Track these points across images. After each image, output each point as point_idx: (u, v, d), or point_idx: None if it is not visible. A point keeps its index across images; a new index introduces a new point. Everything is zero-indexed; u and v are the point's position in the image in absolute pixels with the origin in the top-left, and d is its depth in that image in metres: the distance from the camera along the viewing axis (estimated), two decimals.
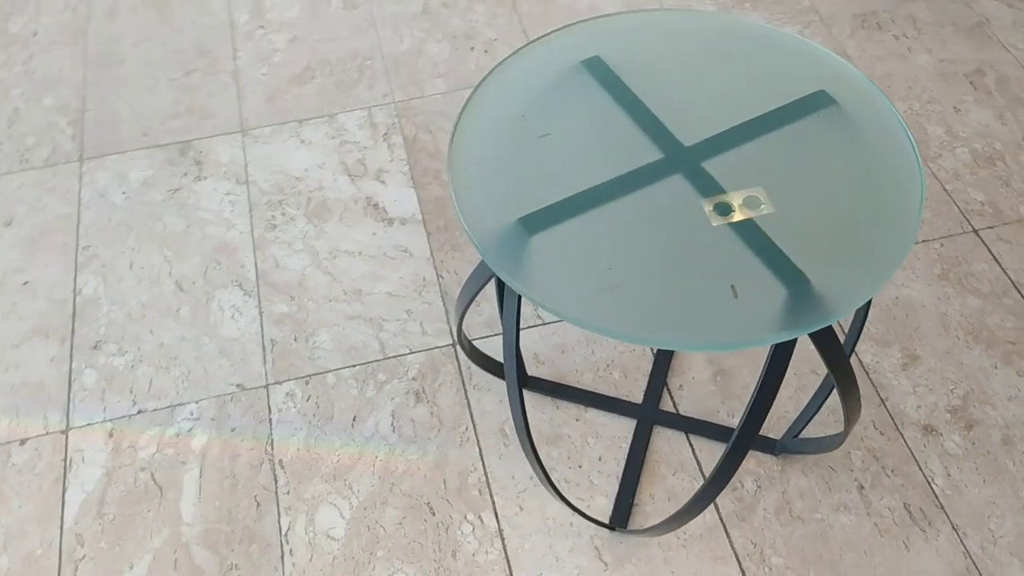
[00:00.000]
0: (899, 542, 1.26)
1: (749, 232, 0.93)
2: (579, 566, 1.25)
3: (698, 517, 1.28)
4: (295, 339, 1.49)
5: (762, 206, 0.95)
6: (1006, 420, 1.37)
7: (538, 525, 1.29)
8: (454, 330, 1.25)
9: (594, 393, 1.41)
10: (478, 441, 1.37)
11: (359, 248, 1.61)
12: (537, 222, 0.95)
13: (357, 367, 1.46)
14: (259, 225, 1.64)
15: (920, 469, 1.33)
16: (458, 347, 1.47)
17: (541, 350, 1.47)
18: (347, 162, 1.73)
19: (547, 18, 1.98)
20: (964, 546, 1.26)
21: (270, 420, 1.40)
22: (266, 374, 1.45)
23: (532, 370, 1.44)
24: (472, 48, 1.93)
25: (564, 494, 1.31)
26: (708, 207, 0.95)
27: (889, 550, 1.26)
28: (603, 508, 1.30)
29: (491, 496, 1.32)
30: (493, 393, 1.42)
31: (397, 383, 1.43)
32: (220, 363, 1.47)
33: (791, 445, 1.33)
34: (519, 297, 0.97)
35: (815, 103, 1.03)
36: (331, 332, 1.50)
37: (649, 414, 1.39)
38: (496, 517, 1.30)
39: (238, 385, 1.44)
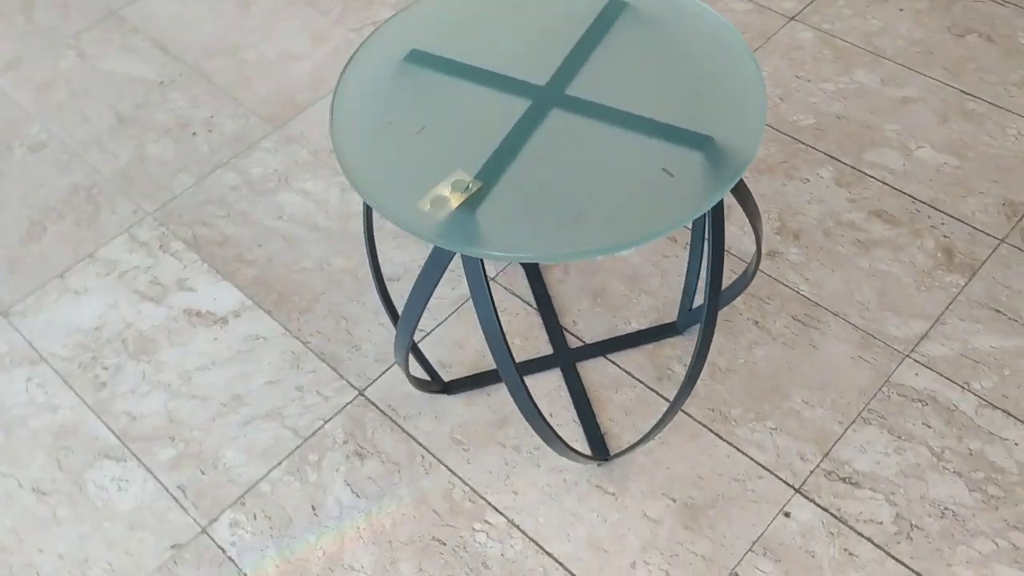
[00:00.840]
0: (807, 347, 1.45)
1: (644, 125, 1.03)
2: (594, 509, 1.30)
3: (653, 416, 1.39)
4: (203, 472, 1.37)
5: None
6: (817, 219, 1.62)
7: (538, 497, 1.32)
8: (401, 360, 1.23)
9: None
10: (440, 461, 1.36)
11: (209, 360, 1.50)
12: (472, 199, 0.98)
13: (283, 462, 1.37)
14: (86, 391, 1.48)
15: (786, 286, 1.53)
16: (367, 393, 1.44)
17: (442, 355, 1.48)
18: (139, 289, 1.60)
19: (248, 79, 1.95)
20: (850, 323, 1.48)
21: (230, 558, 1.29)
22: (195, 520, 1.32)
23: (445, 375, 1.45)
24: (194, 133, 1.85)
25: (541, 462, 1.35)
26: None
27: (805, 357, 1.44)
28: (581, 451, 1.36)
29: (482, 498, 1.32)
30: (424, 415, 1.41)
31: (332, 455, 1.38)
32: (140, 536, 1.31)
33: (691, 317, 1.47)
34: (480, 264, 0.99)
35: (615, 11, 1.15)
36: (235, 446, 1.40)
37: (565, 357, 1.46)
38: (499, 512, 1.30)
39: (174, 546, 1.30)
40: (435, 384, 1.41)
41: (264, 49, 2.01)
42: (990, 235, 1.57)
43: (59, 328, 1.56)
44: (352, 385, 1.45)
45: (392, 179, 1.00)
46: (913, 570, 1.23)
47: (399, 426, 1.40)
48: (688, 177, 0.98)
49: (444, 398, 1.43)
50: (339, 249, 1.63)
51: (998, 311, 1.47)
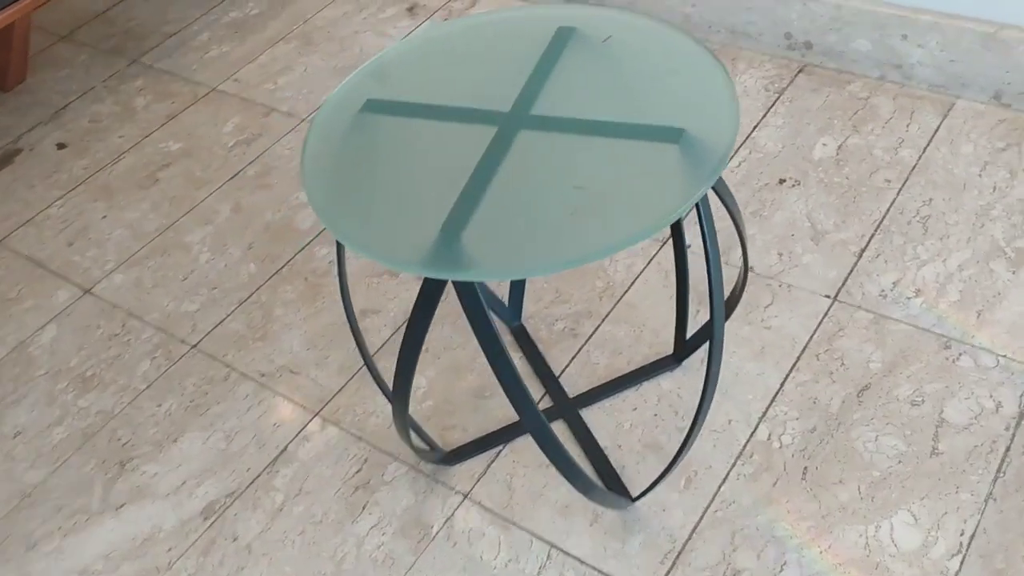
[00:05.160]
0: None
1: (614, 129, 1.04)
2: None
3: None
4: None
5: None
6: None
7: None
8: (402, 425, 1.13)
9: None
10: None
11: None
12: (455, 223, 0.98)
13: None
14: None
15: None
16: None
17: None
18: None
19: None
20: None
21: None
22: None
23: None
24: None
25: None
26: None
27: None
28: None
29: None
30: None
31: None
32: None
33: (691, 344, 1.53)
34: (477, 292, 0.99)
35: (565, 36, 1.15)
36: None
37: (566, 405, 1.42)
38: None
39: None
40: (434, 454, 1.33)
41: None
42: None
43: None
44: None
45: (372, 223, 0.99)
46: None
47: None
48: (669, 172, 1.00)
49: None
50: None
51: None
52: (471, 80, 1.15)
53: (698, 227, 1.06)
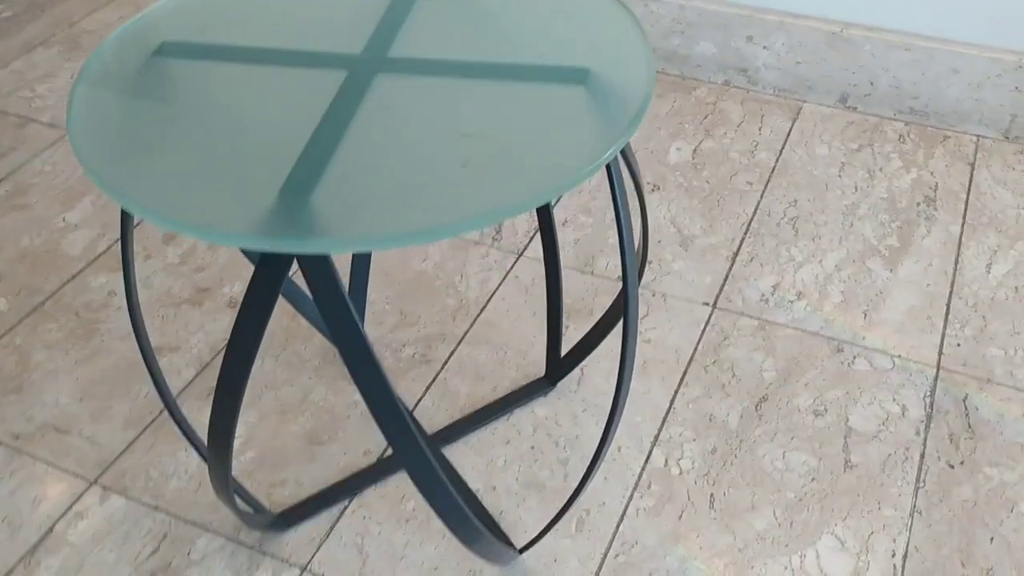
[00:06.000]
0: None
1: (498, 71, 0.82)
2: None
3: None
4: None
5: None
6: None
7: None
8: (223, 483, 0.88)
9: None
10: None
11: None
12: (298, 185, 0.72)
13: None
14: None
15: None
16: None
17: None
18: None
19: None
20: None
21: None
22: None
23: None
24: None
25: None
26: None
27: None
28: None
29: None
30: None
31: None
32: None
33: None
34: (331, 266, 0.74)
35: None
36: None
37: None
38: None
39: None
40: (261, 518, 1.04)
41: None
42: None
43: None
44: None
45: (181, 190, 0.70)
46: None
47: None
48: (578, 117, 0.77)
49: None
50: None
51: None
52: (303, 21, 0.88)
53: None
